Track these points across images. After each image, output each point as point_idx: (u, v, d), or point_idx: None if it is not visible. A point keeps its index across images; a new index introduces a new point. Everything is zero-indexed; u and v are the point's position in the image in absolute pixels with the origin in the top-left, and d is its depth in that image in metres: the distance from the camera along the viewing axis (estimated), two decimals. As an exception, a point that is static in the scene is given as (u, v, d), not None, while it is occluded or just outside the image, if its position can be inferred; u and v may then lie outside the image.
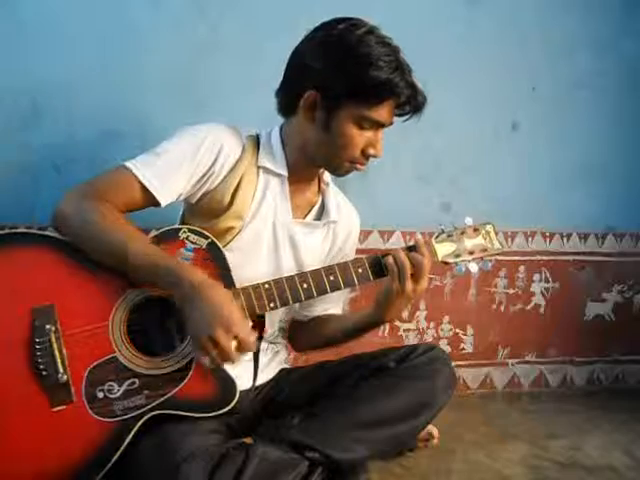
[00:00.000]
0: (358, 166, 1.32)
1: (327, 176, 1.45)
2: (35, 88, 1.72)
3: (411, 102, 1.27)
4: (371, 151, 1.30)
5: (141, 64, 1.78)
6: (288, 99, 1.32)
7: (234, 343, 1.11)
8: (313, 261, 1.41)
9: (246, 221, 1.32)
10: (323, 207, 1.45)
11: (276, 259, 1.37)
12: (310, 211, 1.43)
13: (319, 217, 1.44)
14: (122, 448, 1.12)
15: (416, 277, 1.27)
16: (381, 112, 1.26)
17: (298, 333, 1.52)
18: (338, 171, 1.36)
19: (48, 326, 1.13)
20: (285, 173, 1.35)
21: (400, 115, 1.30)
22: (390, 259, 1.28)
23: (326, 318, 1.50)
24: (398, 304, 1.30)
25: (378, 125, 1.28)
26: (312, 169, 1.39)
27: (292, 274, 1.27)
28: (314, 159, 1.34)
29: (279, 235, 1.36)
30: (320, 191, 1.46)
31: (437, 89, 1.95)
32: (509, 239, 2.14)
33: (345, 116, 1.25)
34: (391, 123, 1.30)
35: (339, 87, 1.23)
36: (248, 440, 1.24)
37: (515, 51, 2.11)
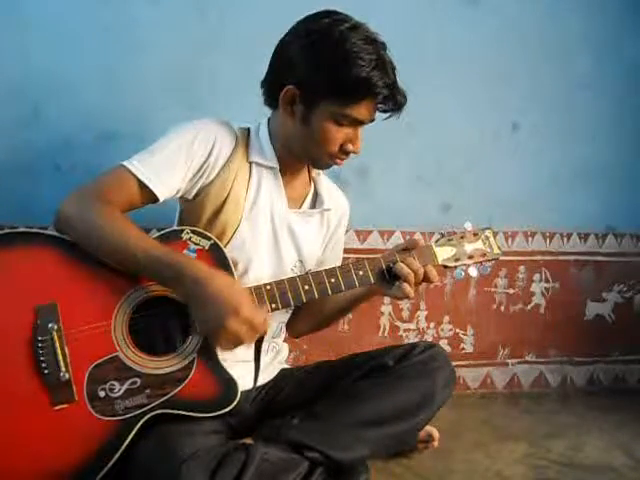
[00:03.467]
0: (337, 161, 1.33)
1: None
2: (35, 88, 1.72)
3: (390, 101, 1.27)
4: (350, 147, 1.30)
5: (141, 63, 1.79)
6: (270, 92, 1.33)
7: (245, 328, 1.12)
8: (312, 248, 1.44)
9: (244, 215, 1.32)
10: (316, 195, 1.47)
11: (277, 250, 1.38)
12: (304, 200, 1.45)
13: (313, 205, 1.46)
14: (123, 447, 1.12)
15: (417, 281, 1.30)
16: (360, 110, 1.25)
17: (293, 315, 1.52)
18: (317, 165, 1.38)
19: (50, 324, 1.13)
20: (276, 165, 1.36)
21: (383, 111, 1.30)
22: (404, 269, 1.28)
23: (317, 301, 1.49)
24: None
25: (357, 122, 1.28)
26: (299, 160, 1.40)
27: (294, 276, 1.28)
28: (295, 152, 1.35)
29: (277, 226, 1.37)
30: (311, 180, 1.47)
31: (438, 90, 1.98)
32: (509, 239, 2.15)
33: (323, 112, 1.25)
34: (372, 120, 1.30)
35: (317, 84, 1.23)
36: (249, 440, 1.24)
37: (516, 52, 2.11)
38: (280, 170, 1.37)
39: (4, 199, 1.70)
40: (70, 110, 1.75)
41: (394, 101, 1.27)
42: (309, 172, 1.47)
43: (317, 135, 1.28)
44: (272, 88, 1.32)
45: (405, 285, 1.27)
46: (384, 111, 1.29)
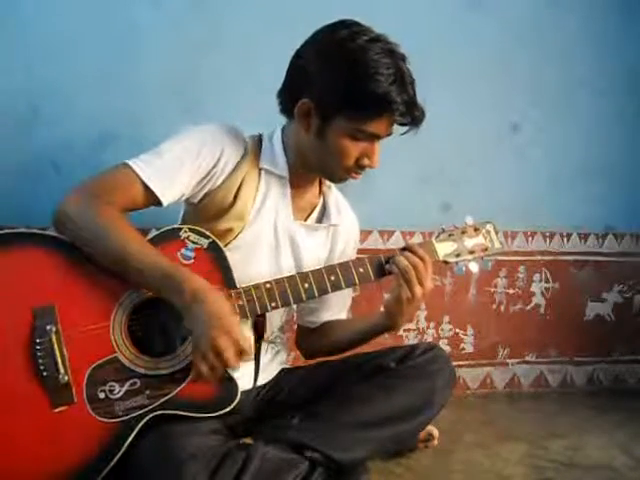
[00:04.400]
0: (353, 175, 1.31)
1: None
2: (34, 89, 1.72)
3: (407, 117, 1.24)
4: (366, 162, 1.28)
5: (140, 65, 1.79)
6: (286, 103, 1.31)
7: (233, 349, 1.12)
8: (313, 263, 1.40)
9: (247, 222, 1.31)
10: (324, 209, 1.45)
11: (276, 260, 1.36)
12: (311, 213, 1.43)
13: (320, 219, 1.44)
14: (124, 449, 1.12)
15: (421, 280, 1.29)
16: (377, 125, 1.23)
17: (307, 340, 1.53)
18: (332, 178, 1.37)
19: (49, 326, 1.12)
20: (286, 175, 1.35)
21: (399, 124, 1.27)
22: (399, 266, 1.28)
23: (334, 325, 1.50)
24: (410, 310, 1.33)
25: (373, 137, 1.26)
26: (312, 172, 1.38)
27: (293, 274, 1.28)
28: (309, 165, 1.34)
29: (280, 236, 1.36)
30: (321, 193, 1.45)
31: (438, 90, 1.97)
32: (509, 239, 2.15)
33: (339, 127, 1.23)
34: (389, 134, 1.28)
35: (334, 98, 1.21)
36: (248, 440, 1.24)
37: (516, 53, 2.11)
38: (290, 180, 1.36)
39: (3, 200, 1.70)
40: (69, 111, 1.75)
41: (411, 116, 1.24)
42: (320, 185, 1.44)
43: (333, 149, 1.26)
44: (288, 100, 1.30)
45: (400, 286, 1.28)
46: (401, 124, 1.27)
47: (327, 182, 1.44)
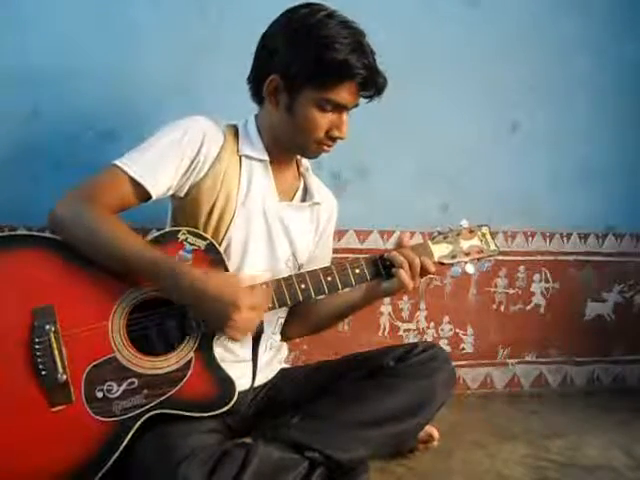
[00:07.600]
0: (325, 148, 1.34)
1: (305, 160, 1.48)
2: (35, 87, 1.72)
3: (370, 83, 1.28)
4: (335, 133, 1.31)
5: (141, 63, 1.79)
6: (255, 85, 1.35)
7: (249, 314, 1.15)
8: (304, 242, 1.45)
9: (236, 210, 1.33)
10: (306, 190, 1.48)
11: (270, 243, 1.38)
12: (295, 194, 1.45)
13: (304, 199, 1.47)
14: (121, 448, 1.12)
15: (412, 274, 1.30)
16: (341, 94, 1.27)
17: (287, 318, 1.52)
18: (306, 153, 1.39)
19: (47, 326, 1.13)
20: (266, 158, 1.37)
21: (364, 97, 1.31)
22: (400, 270, 1.29)
23: (312, 304, 1.50)
24: (386, 295, 1.38)
25: (340, 107, 1.29)
26: (288, 153, 1.41)
27: (290, 275, 1.29)
28: (282, 142, 1.36)
29: (270, 219, 1.38)
30: (300, 174, 1.48)
31: (437, 89, 1.98)
32: (509, 239, 2.15)
33: (306, 99, 1.27)
34: (355, 105, 1.32)
35: (298, 70, 1.25)
36: (248, 440, 1.24)
37: (514, 52, 2.10)
38: (270, 163, 1.38)
39: (3, 199, 1.70)
40: (70, 109, 1.75)
41: (374, 83, 1.28)
42: (298, 167, 1.47)
43: (302, 123, 1.29)
44: (257, 81, 1.34)
45: (401, 272, 1.28)
46: (366, 96, 1.31)
47: (304, 164, 1.48)
